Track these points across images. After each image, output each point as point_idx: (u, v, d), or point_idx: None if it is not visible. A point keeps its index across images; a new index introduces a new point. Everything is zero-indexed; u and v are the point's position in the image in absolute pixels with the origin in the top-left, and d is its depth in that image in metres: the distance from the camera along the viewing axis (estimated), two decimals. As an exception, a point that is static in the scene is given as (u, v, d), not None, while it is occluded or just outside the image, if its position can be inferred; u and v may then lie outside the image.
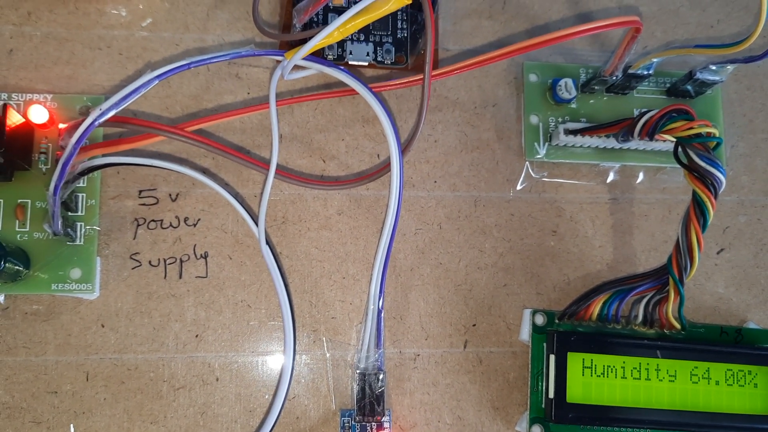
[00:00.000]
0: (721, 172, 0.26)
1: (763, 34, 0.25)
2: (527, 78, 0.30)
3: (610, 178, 0.31)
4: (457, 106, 0.30)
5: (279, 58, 0.24)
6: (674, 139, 0.27)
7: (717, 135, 0.26)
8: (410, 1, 0.22)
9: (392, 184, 0.23)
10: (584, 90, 0.30)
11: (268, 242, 0.26)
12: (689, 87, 0.30)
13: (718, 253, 0.31)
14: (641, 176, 0.30)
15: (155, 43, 0.29)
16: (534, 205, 0.30)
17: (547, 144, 0.30)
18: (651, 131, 0.27)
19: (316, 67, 0.24)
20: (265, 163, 0.25)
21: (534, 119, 0.30)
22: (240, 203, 0.26)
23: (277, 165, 0.26)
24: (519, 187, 0.30)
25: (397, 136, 0.24)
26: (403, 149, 0.24)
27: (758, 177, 0.31)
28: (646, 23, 0.32)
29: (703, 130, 0.26)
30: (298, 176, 0.27)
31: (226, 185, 0.27)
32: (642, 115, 0.27)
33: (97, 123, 0.21)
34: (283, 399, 0.25)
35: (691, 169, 0.26)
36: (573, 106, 0.30)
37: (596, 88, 0.30)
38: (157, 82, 0.22)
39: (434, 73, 0.25)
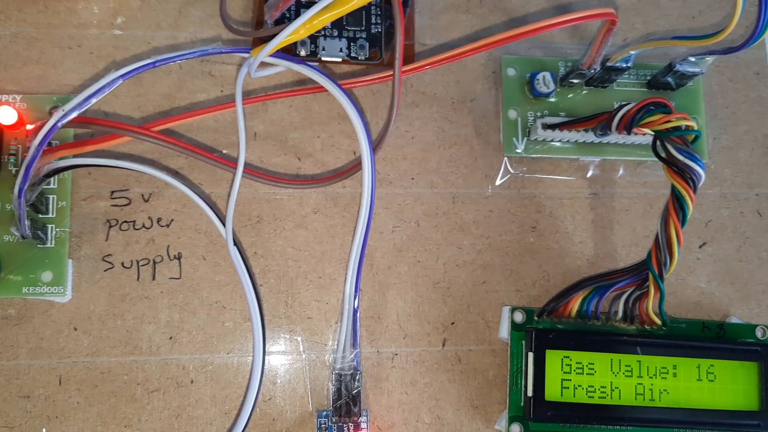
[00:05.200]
0: (700, 166, 0.26)
1: (743, 23, 0.25)
2: (505, 72, 0.30)
3: (590, 172, 0.30)
4: (435, 101, 0.30)
5: (246, 55, 0.24)
6: (653, 133, 0.26)
7: (696, 128, 0.26)
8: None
9: (364, 182, 0.23)
10: (563, 84, 0.30)
11: (237, 243, 0.26)
12: (670, 79, 0.30)
13: (700, 247, 0.30)
14: (621, 170, 0.30)
15: (127, 42, 0.28)
16: (513, 201, 0.29)
17: (525, 139, 0.29)
18: (629, 125, 0.26)
19: (284, 64, 0.24)
20: (234, 163, 0.25)
21: (512, 114, 0.30)
22: (209, 205, 0.26)
23: (250, 164, 0.26)
24: (498, 183, 0.29)
25: (368, 133, 0.23)
26: (375, 146, 0.24)
27: (741, 170, 0.31)
28: (626, 14, 0.32)
29: (682, 123, 0.26)
30: (271, 176, 0.27)
31: (196, 186, 0.27)
32: (619, 108, 0.26)
33: (59, 124, 0.21)
34: (253, 401, 0.25)
35: (670, 163, 0.26)
36: (552, 100, 0.30)
37: (575, 81, 0.30)
38: (121, 81, 0.22)
39: (406, 68, 0.25)
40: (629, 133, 0.27)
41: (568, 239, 0.29)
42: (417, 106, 0.30)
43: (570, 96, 0.30)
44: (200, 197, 0.25)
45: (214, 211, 0.25)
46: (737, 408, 0.28)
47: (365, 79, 0.26)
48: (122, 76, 0.22)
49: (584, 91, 0.30)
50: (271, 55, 0.23)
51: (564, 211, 0.30)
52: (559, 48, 0.31)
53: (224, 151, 0.28)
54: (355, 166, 0.26)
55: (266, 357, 0.26)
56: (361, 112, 0.23)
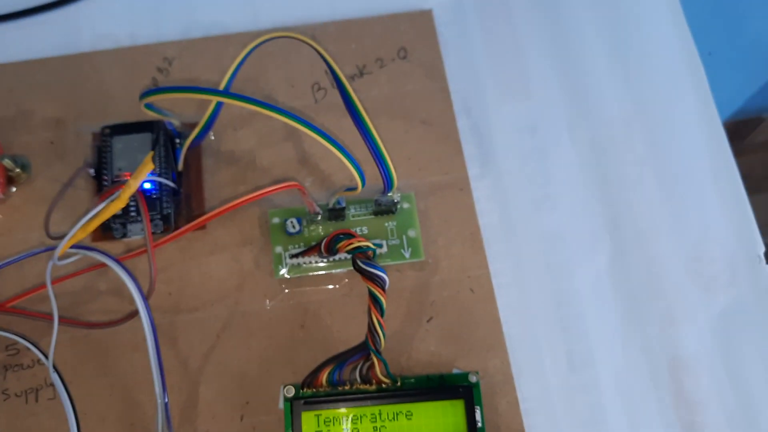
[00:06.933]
0: (381, 272, 0.38)
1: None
2: (271, 220, 0.43)
3: (343, 281, 0.43)
4: (225, 248, 0.43)
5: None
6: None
7: (371, 246, 0.38)
8: (123, 206, 0.35)
9: (143, 324, 0.36)
10: (313, 222, 0.43)
11: (57, 370, 0.38)
12: (383, 207, 0.42)
13: (428, 321, 0.42)
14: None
15: (10, 243, 0.43)
16: (286, 310, 0.42)
17: (287, 266, 0.42)
18: (329, 250, 0.39)
19: (81, 253, 0.37)
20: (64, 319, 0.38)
21: (278, 249, 0.42)
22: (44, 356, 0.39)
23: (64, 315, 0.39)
24: (273, 299, 0.42)
25: (140, 290, 0.36)
26: (147, 296, 0.37)
27: (454, 261, 0.43)
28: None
29: (362, 244, 0.38)
30: (83, 322, 0.40)
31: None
32: (322, 239, 0.39)
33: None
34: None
35: (361, 272, 0.38)
36: (305, 234, 0.43)
37: (318, 219, 0.42)
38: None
39: (166, 237, 0.39)
40: (334, 255, 0.39)
41: (328, 330, 0.42)
42: (212, 254, 0.43)
43: (319, 229, 0.43)
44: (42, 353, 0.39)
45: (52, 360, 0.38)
46: (450, 432, 0.39)
47: (135, 253, 0.40)
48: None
49: (329, 224, 0.43)
50: (74, 246, 0.36)
51: (324, 310, 0.42)
52: (313, 197, 0.44)
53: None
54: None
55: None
56: (133, 277, 0.36)
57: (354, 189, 0.38)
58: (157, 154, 0.40)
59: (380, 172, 0.37)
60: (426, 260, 0.43)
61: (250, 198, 0.37)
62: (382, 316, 0.38)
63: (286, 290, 0.42)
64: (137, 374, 0.40)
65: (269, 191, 0.37)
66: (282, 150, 0.45)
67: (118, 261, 0.35)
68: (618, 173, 0.45)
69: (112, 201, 0.34)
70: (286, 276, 0.42)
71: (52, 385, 0.40)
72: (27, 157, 0.44)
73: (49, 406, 0.40)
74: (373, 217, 0.43)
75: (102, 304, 0.42)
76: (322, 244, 0.39)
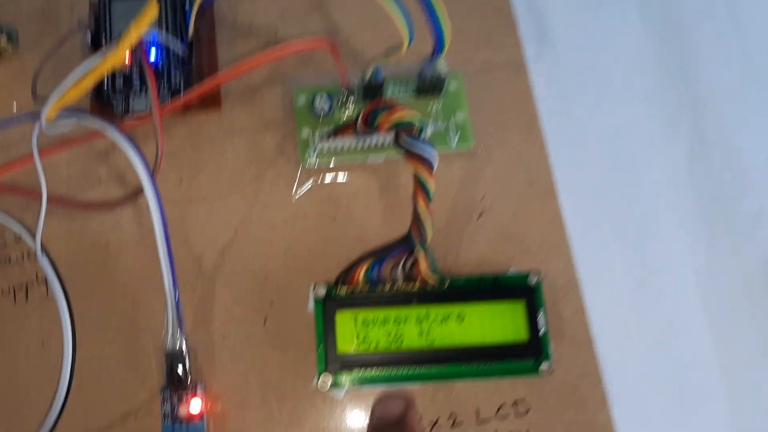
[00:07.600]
0: (430, 149, 0.32)
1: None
2: (297, 100, 0.37)
3: (378, 171, 0.37)
4: (242, 131, 0.37)
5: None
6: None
7: (417, 119, 0.32)
8: (121, 61, 0.29)
9: (149, 202, 0.30)
10: (345, 102, 0.37)
11: (45, 250, 0.32)
12: (428, 84, 0.36)
13: (478, 218, 0.36)
14: (402, 166, 0.36)
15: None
16: (315, 202, 0.36)
17: (317, 151, 0.36)
18: (369, 124, 0.33)
19: (74, 118, 0.31)
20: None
21: (305, 133, 0.36)
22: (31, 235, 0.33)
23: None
24: (301, 189, 0.36)
25: (145, 163, 0.30)
26: (154, 171, 0.31)
27: (508, 150, 0.37)
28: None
29: (407, 117, 0.32)
30: (76, 201, 0.35)
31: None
32: (359, 114, 0.33)
33: None
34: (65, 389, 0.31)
35: (407, 151, 0.32)
36: (336, 116, 0.37)
37: (351, 98, 0.36)
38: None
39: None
40: (373, 132, 0.33)
41: (362, 225, 0.36)
42: (229, 138, 0.37)
43: (353, 111, 0.37)
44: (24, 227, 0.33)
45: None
46: (509, 340, 0.33)
47: (133, 121, 0.34)
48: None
49: (362, 106, 0.37)
50: (66, 112, 0.30)
51: (357, 203, 0.36)
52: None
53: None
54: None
55: (107, 345, 0.33)
56: (135, 145, 0.30)
57: (397, 50, 0.32)
58: (163, 14, 0.34)
59: (429, 24, 0.30)
60: (476, 149, 0.37)
61: (269, 56, 0.31)
62: (429, 203, 0.32)
63: (315, 180, 0.36)
64: (143, 270, 0.35)
65: (293, 49, 0.31)
66: (307, 23, 0.39)
67: (117, 128, 0.30)
68: (697, 52, 0.39)
69: (109, 54, 0.28)
70: (315, 164, 0.36)
71: (45, 282, 0.34)
72: (13, 26, 0.38)
73: (40, 305, 0.34)
74: (415, 97, 0.37)
75: (102, 192, 0.36)
76: (359, 119, 0.33)
